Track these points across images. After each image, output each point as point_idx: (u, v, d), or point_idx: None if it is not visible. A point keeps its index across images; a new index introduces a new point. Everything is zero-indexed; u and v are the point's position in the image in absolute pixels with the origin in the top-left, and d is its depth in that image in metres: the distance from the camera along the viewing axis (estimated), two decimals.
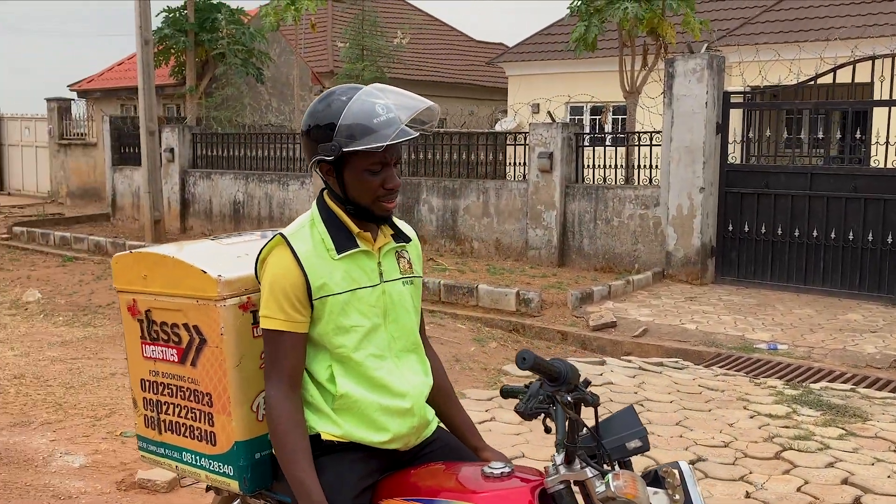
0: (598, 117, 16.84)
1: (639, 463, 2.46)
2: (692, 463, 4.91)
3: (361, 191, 2.23)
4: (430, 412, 2.44)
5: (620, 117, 15.91)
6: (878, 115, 9.50)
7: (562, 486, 2.05)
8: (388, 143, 2.13)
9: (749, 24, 16.65)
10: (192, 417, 2.44)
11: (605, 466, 2.04)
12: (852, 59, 9.29)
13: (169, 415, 2.51)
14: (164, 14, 17.56)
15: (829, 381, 6.71)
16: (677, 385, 6.59)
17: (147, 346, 2.53)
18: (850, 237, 9.49)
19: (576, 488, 2.07)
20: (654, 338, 8.02)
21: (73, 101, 22.30)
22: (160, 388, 2.52)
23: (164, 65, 18.00)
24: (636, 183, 11.34)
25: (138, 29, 13.99)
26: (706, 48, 10.24)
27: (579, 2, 11.62)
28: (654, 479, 2.06)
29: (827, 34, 13.88)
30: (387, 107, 2.15)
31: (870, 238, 9.38)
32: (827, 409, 5.93)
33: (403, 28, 18.55)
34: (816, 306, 9.18)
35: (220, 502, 2.74)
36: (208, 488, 2.72)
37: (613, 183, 11.35)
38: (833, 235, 9.60)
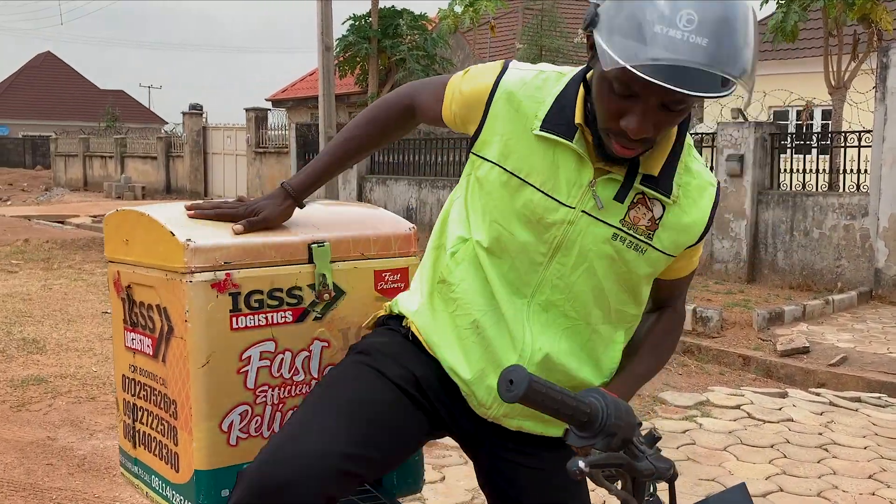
0: (798, 122, 15.31)
1: None
2: None
3: (597, 104, 1.51)
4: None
5: (822, 122, 14.34)
6: None
7: None
8: (622, 66, 1.33)
9: None
10: (160, 430, 1.84)
11: None
12: None
13: (143, 424, 1.92)
14: (350, 21, 17.75)
15: None
16: (876, 427, 5.43)
17: (128, 332, 1.95)
18: None
19: None
20: (855, 368, 6.84)
21: (269, 111, 23.15)
22: (137, 389, 1.93)
23: (349, 73, 18.21)
24: (841, 189, 9.97)
25: (320, 35, 14.13)
26: None
27: None
28: None
29: None
30: (676, 19, 1.32)
31: None
32: None
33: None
34: None
35: None
36: None
37: (814, 189, 10.03)
38: None
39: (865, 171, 9.48)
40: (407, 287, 1.90)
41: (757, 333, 7.82)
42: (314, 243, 1.78)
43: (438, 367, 1.68)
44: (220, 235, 1.71)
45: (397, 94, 1.84)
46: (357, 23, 17.62)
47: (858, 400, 6.09)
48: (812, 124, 13.83)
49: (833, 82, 10.65)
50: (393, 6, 17.70)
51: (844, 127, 10.58)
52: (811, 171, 10.10)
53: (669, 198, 1.60)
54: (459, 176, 1.78)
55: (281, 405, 1.77)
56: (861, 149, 9.55)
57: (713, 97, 1.37)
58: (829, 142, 10.55)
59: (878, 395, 6.26)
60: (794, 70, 14.62)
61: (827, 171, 10.29)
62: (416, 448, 1.75)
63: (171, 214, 1.78)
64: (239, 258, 1.70)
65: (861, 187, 9.58)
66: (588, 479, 1.25)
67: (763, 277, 10.12)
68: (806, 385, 6.64)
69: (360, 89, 18.90)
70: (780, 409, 5.75)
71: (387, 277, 1.88)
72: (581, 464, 1.18)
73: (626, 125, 1.45)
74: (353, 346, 1.75)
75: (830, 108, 11.14)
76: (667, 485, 1.32)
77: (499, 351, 1.62)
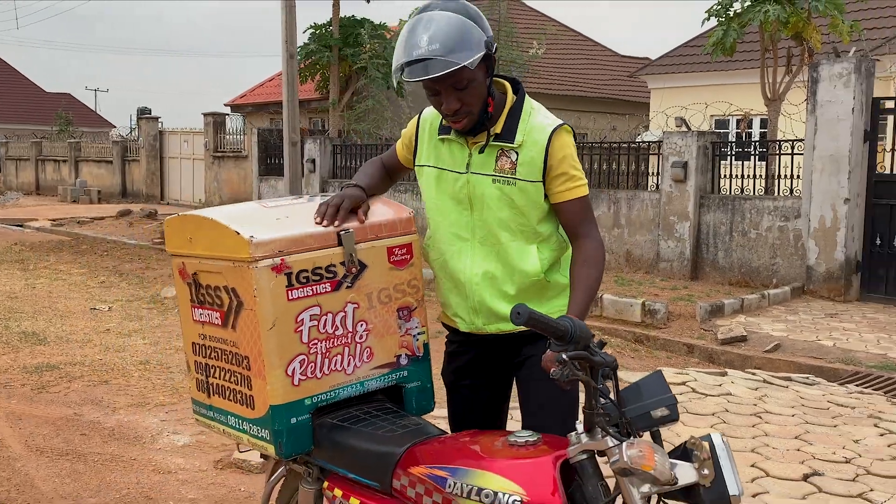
0: (738, 130, 16.15)
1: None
2: (806, 477, 4.54)
3: (433, 106, 2.47)
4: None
5: (761, 130, 15.18)
6: None
7: (584, 457, 1.89)
8: (398, 81, 2.37)
9: None
10: (234, 381, 2.41)
11: (630, 437, 1.86)
12: None
13: (216, 378, 2.50)
14: (311, 30, 18.18)
15: None
16: (803, 400, 6.13)
17: (196, 309, 2.53)
18: None
19: (603, 459, 1.91)
20: (787, 354, 7.54)
21: (227, 116, 23.45)
22: (208, 352, 2.51)
23: (310, 80, 18.64)
24: (776, 194, 10.74)
25: (284, 44, 14.53)
26: (854, 52, 9.59)
27: (718, 6, 11.14)
28: (683, 452, 1.86)
29: None
30: (420, 40, 2.24)
31: None
32: None
33: (539, 39, 18.40)
34: None
35: (272, 467, 2.73)
36: (262, 455, 2.71)
37: (752, 193, 10.79)
38: None
39: (798, 176, 10.17)
40: (412, 257, 2.54)
41: (700, 324, 8.50)
42: (342, 231, 2.37)
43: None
44: (272, 231, 2.30)
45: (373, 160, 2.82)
46: (318, 31, 18.08)
47: (789, 379, 6.78)
48: (750, 133, 14.65)
49: (769, 94, 11.42)
50: (353, 15, 18.19)
51: (779, 136, 11.32)
52: (749, 176, 10.83)
53: (513, 143, 2.42)
54: (417, 180, 2.61)
55: (328, 353, 2.37)
56: (794, 156, 10.28)
57: (449, 72, 2.23)
58: (765, 149, 11.31)
59: (806, 375, 6.96)
60: (733, 81, 15.43)
61: (763, 177, 11.04)
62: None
63: (230, 216, 2.37)
64: (288, 247, 2.29)
65: (794, 191, 10.30)
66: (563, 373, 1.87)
67: (705, 275, 10.83)
68: (744, 369, 7.32)
69: (320, 96, 19.35)
70: (720, 386, 6.42)
71: (396, 251, 2.50)
72: (564, 356, 1.79)
73: (445, 108, 2.35)
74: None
75: (767, 118, 11.90)
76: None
77: (458, 278, 2.49)
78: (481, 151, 2.45)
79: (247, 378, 2.35)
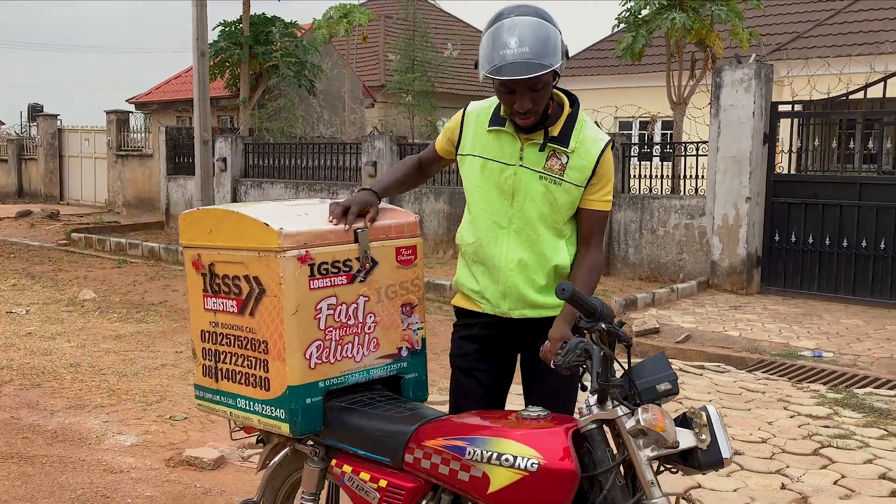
0: (645, 132, 16.84)
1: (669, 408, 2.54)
2: None
3: (503, 104, 2.64)
4: (547, 298, 2.68)
5: (668, 132, 15.89)
6: None
7: (593, 426, 2.16)
8: (486, 74, 2.52)
9: (801, 38, 16.54)
10: (247, 365, 2.59)
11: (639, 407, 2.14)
12: None
13: (226, 363, 2.67)
14: (220, 28, 18.01)
15: (874, 388, 6.65)
16: (717, 386, 6.59)
17: (209, 298, 2.70)
18: None
19: (606, 429, 2.18)
20: (697, 344, 8.01)
21: (131, 114, 22.90)
22: (219, 338, 2.68)
23: (219, 77, 18.45)
24: (682, 193, 11.33)
25: (195, 41, 14.39)
26: (754, 58, 10.23)
27: (627, 13, 11.68)
28: (683, 421, 2.15)
29: (880, 48, 13.73)
30: (509, 42, 2.47)
31: None
32: (869, 411, 5.89)
33: (453, 41, 18.77)
34: (864, 316, 9.07)
35: (268, 453, 2.88)
36: (258, 441, 2.86)
37: (660, 193, 11.35)
38: (882, 246, 9.49)
39: (702, 176, 10.78)
40: (416, 257, 2.72)
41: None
42: (358, 229, 2.58)
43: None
44: (299, 224, 2.50)
45: (408, 158, 3.05)
46: (228, 29, 17.92)
47: (703, 367, 7.26)
48: (653, 135, 15.32)
49: (675, 98, 12.03)
50: (264, 13, 18.10)
51: (684, 138, 11.95)
52: (656, 176, 11.40)
53: (568, 148, 2.66)
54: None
55: (341, 340, 2.57)
56: (699, 157, 10.90)
57: (539, 75, 2.45)
58: (672, 151, 11.91)
59: (717, 364, 7.46)
60: (641, 85, 16.08)
61: (670, 177, 11.63)
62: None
63: (256, 211, 2.54)
64: (312, 240, 2.49)
65: (699, 191, 10.90)
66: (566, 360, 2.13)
67: (617, 271, 11.33)
68: None
69: (229, 94, 19.17)
70: None
71: (403, 252, 2.72)
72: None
73: (517, 107, 2.54)
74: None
75: (672, 120, 12.51)
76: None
77: (493, 262, 2.70)
78: (541, 149, 2.66)
79: (263, 361, 2.53)
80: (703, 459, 2.08)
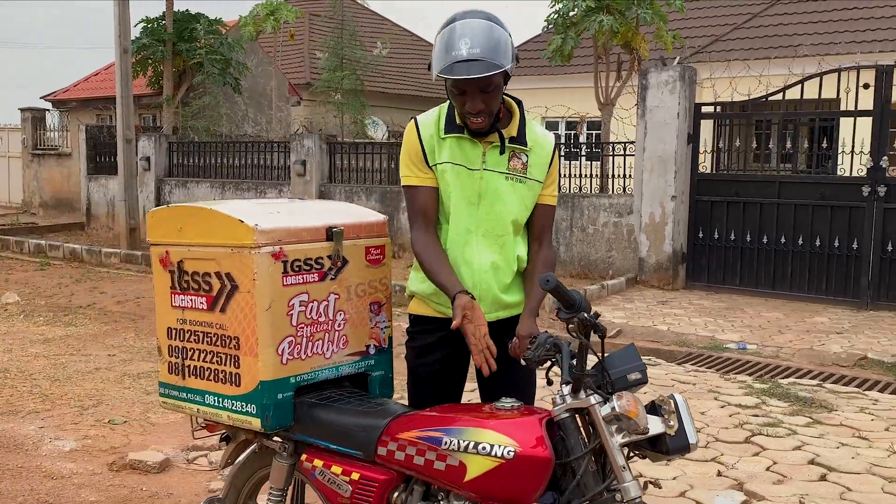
0: (573, 132, 17.14)
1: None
2: None
3: (455, 105, 2.67)
4: (517, 297, 2.74)
5: (594, 132, 16.21)
6: (844, 125, 9.84)
7: (567, 415, 2.25)
8: (439, 74, 2.56)
9: (720, 41, 17.08)
10: (217, 361, 2.61)
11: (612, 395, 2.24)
12: (819, 72, 9.63)
13: (194, 360, 2.68)
14: (143, 24, 17.64)
15: (796, 378, 6.95)
16: (650, 379, 6.79)
17: (177, 295, 2.70)
18: (818, 243, 9.80)
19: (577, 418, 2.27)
20: (628, 338, 8.23)
21: (47, 112, 22.23)
22: (187, 335, 2.69)
23: (141, 75, 18.07)
24: (611, 192, 11.60)
25: (117, 38, 14.09)
26: (678, 61, 10.55)
27: (556, 15, 11.89)
28: (652, 408, 2.26)
29: (795, 51, 14.30)
30: (461, 44, 2.52)
31: (836, 244, 9.69)
32: (795, 400, 6.16)
33: (383, 40, 18.79)
34: (785, 310, 9.46)
35: (232, 452, 2.89)
36: (222, 438, 2.87)
37: (589, 192, 11.60)
38: (801, 242, 9.91)
39: (630, 176, 11.08)
40: (384, 257, 2.77)
41: (548, 314, 9.09)
42: (331, 228, 2.62)
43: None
44: (274, 221, 2.52)
45: (419, 237, 2.73)
46: (150, 25, 17.57)
47: None
48: (581, 135, 15.63)
49: (602, 99, 12.30)
50: (188, 10, 17.80)
51: (612, 138, 12.23)
52: (585, 175, 11.65)
53: (526, 147, 2.75)
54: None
55: (312, 337, 2.62)
56: (626, 157, 11.19)
57: (491, 75, 2.52)
58: (600, 150, 12.18)
59: (648, 357, 7.68)
60: (569, 85, 16.34)
61: (598, 176, 11.90)
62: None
63: (230, 208, 2.56)
64: (287, 237, 2.52)
65: (627, 190, 11.21)
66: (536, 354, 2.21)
67: None
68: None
69: (152, 91, 18.79)
70: None
71: (373, 251, 2.77)
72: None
73: (469, 108, 2.59)
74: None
75: (600, 121, 12.79)
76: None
77: (466, 267, 2.71)
78: (502, 152, 2.71)
79: (234, 357, 2.55)
80: (671, 445, 2.19)
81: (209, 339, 2.62)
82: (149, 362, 7.08)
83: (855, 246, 9.57)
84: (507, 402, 2.36)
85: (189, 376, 2.70)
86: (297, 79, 22.96)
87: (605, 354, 2.32)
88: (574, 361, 2.25)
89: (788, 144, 10.47)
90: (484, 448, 2.20)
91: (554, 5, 11.81)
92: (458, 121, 2.70)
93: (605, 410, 2.18)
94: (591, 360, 2.37)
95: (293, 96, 21.94)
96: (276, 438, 2.71)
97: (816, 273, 9.87)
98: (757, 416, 5.77)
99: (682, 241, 10.60)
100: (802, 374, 7.11)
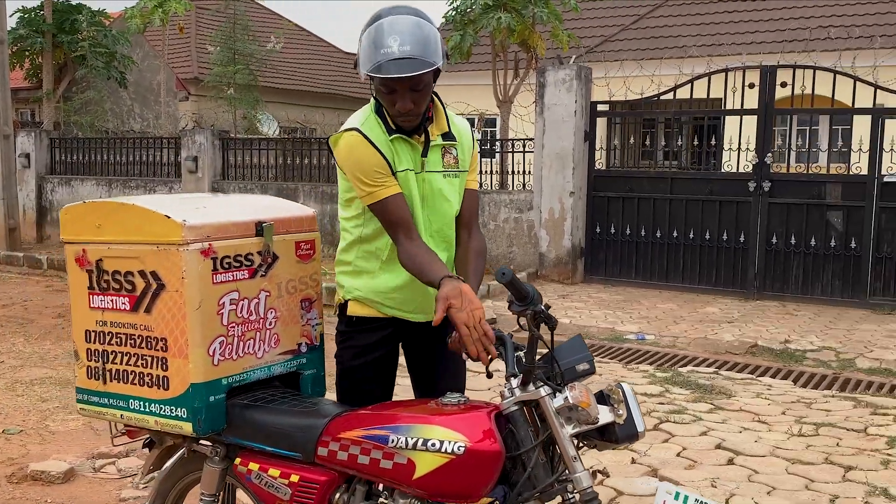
0: (472, 129, 17.25)
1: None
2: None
3: (384, 104, 2.58)
4: None
5: (491, 129, 16.38)
6: (731, 123, 10.24)
7: (516, 408, 2.23)
8: (369, 73, 2.45)
9: (609, 41, 17.51)
10: (142, 364, 2.48)
11: (563, 386, 2.25)
12: (708, 72, 9.99)
13: (116, 364, 2.54)
14: (20, 14, 16.79)
15: (694, 366, 7.20)
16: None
17: (95, 296, 2.55)
18: (707, 237, 10.17)
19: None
20: None
21: None
22: (107, 338, 2.54)
23: (17, 67, 17.20)
24: (511, 188, 11.74)
25: None
26: (574, 59, 10.76)
27: (454, 12, 11.94)
28: (600, 398, 2.27)
29: (685, 51, 14.79)
30: (390, 42, 2.42)
31: (724, 237, 10.08)
32: (695, 388, 6.38)
33: (277, 34, 18.45)
34: (678, 301, 9.78)
35: (155, 459, 2.76)
36: (144, 444, 2.74)
37: (490, 188, 11.70)
38: (692, 235, 10.26)
39: (529, 172, 11.25)
40: (314, 252, 2.70)
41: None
42: (261, 223, 2.53)
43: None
44: (202, 217, 2.41)
45: (405, 250, 2.54)
46: (28, 15, 16.73)
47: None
48: (478, 132, 15.75)
49: (500, 96, 12.44)
50: (69, 0, 17.05)
51: (511, 135, 12.38)
52: (485, 172, 11.74)
53: (455, 141, 2.72)
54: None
55: (243, 336, 2.52)
56: (525, 154, 11.35)
57: (422, 73, 2.44)
58: (500, 147, 12.30)
59: None
60: (468, 83, 16.43)
61: (498, 173, 12.02)
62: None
63: (153, 203, 2.43)
64: (216, 233, 2.41)
65: (527, 186, 11.36)
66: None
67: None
68: None
69: (30, 85, 17.92)
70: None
71: (302, 246, 2.69)
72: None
73: (399, 107, 2.51)
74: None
75: (498, 118, 12.92)
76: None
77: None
78: (431, 151, 2.65)
79: (161, 359, 2.43)
80: (619, 433, 2.21)
81: (133, 342, 2.49)
82: (41, 368, 6.74)
83: (742, 239, 9.98)
84: (452, 398, 2.33)
85: (111, 381, 2.55)
86: (184, 73, 22.33)
87: (560, 344, 2.32)
88: (521, 354, 2.24)
89: (680, 142, 10.82)
90: (433, 444, 2.17)
91: (452, 2, 11.86)
92: (391, 124, 2.61)
93: (557, 402, 2.19)
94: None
95: (181, 91, 21.32)
96: (204, 443, 2.60)
97: (706, 265, 10.25)
98: (663, 403, 5.94)
99: (581, 237, 10.82)
100: (699, 362, 7.36)
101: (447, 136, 2.70)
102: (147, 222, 2.40)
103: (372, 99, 2.68)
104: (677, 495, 2.15)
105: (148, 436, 2.74)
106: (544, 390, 2.23)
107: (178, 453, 2.67)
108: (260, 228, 2.55)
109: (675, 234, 10.35)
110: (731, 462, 4.77)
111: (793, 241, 9.73)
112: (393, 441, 2.22)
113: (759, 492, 4.33)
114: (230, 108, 18.51)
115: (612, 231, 10.69)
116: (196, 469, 2.66)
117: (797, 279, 9.82)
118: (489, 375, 2.42)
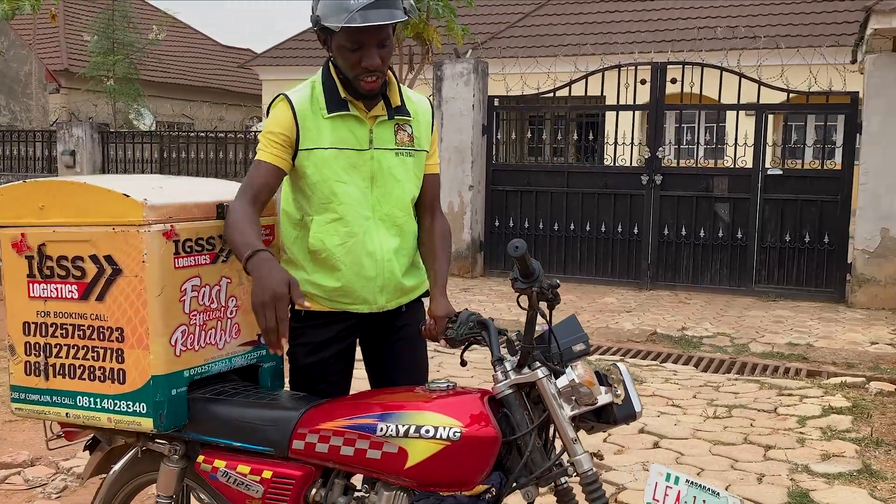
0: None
1: None
2: None
3: (344, 66, 2.40)
4: (414, 280, 2.55)
5: None
6: (624, 118, 10.49)
7: (510, 391, 2.15)
8: (344, 25, 2.26)
9: (495, 38, 17.67)
10: (93, 357, 2.27)
11: (561, 367, 2.18)
12: (601, 68, 10.19)
13: (60, 357, 2.31)
14: None
15: (600, 354, 7.33)
16: (473, 364, 6.88)
17: (36, 284, 2.32)
18: (603, 229, 10.39)
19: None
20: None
21: None
22: (51, 329, 2.31)
23: None
24: None
25: None
26: (471, 53, 10.78)
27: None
28: (598, 378, 2.22)
29: (572, 49, 15.08)
30: None
31: (619, 230, 10.32)
32: None
33: (158, 24, 17.71)
34: (577, 292, 9.95)
35: (98, 462, 2.53)
36: (86, 446, 2.51)
37: None
38: (588, 228, 10.46)
39: None
40: (274, 238, 2.54)
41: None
42: (221, 205, 2.36)
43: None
44: (162, 196, 2.22)
45: (235, 207, 2.33)
46: None
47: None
48: None
49: None
50: None
51: None
52: None
53: (410, 116, 2.55)
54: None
55: (205, 325, 2.33)
56: None
57: (395, 22, 2.33)
58: None
59: None
60: None
61: None
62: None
63: (107, 181, 2.22)
64: (177, 214, 2.23)
65: None
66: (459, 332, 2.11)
67: None
68: None
69: None
70: None
71: (262, 231, 2.49)
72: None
73: (366, 63, 2.35)
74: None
75: None
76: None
77: (369, 258, 2.47)
78: (390, 118, 2.50)
79: (117, 351, 2.22)
80: (618, 414, 2.16)
81: (81, 333, 2.26)
82: None
83: (636, 231, 10.24)
84: (440, 383, 2.24)
85: (55, 376, 2.31)
86: (54, 64, 21.19)
87: (556, 324, 2.26)
88: (508, 337, 2.17)
89: (576, 136, 11.01)
90: (427, 431, 2.06)
91: None
92: (342, 94, 2.44)
93: (561, 382, 2.13)
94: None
95: (51, 83, 20.22)
96: (160, 441, 2.39)
97: (602, 257, 10.47)
98: None
99: (480, 230, 10.86)
100: (604, 350, 7.50)
101: (401, 110, 2.53)
102: (101, 202, 2.19)
103: (319, 72, 2.52)
104: (668, 476, 2.13)
105: (91, 436, 2.51)
106: (541, 372, 2.16)
107: (131, 453, 2.45)
108: (221, 210, 2.37)
109: (572, 226, 10.52)
110: (657, 446, 4.85)
111: (683, 233, 10.05)
112: (381, 430, 2.10)
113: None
114: (109, 101, 17.63)
115: (511, 224, 10.77)
116: (149, 470, 2.45)
117: (688, 269, 10.15)
118: (463, 363, 2.35)
